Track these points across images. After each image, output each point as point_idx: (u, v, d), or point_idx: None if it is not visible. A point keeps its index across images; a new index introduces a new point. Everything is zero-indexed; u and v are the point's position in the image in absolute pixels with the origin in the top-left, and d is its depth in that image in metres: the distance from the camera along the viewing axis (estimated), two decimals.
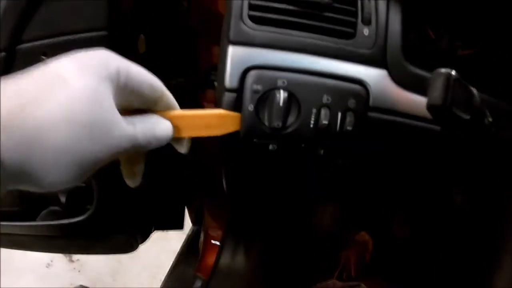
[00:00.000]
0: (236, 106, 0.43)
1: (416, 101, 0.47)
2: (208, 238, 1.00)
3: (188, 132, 0.41)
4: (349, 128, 0.44)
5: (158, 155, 0.73)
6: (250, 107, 0.43)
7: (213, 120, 0.42)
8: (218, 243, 0.97)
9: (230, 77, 0.43)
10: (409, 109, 0.47)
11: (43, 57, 0.54)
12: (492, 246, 0.64)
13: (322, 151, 0.46)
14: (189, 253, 1.05)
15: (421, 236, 0.98)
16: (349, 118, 0.44)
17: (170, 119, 0.39)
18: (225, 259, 0.91)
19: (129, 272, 1.54)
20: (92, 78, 0.32)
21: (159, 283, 1.02)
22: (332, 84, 0.45)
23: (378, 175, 0.55)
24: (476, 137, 0.43)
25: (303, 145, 0.46)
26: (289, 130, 0.44)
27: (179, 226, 0.96)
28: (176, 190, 0.88)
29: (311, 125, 0.44)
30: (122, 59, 0.35)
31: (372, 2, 0.48)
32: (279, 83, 0.43)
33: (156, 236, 0.87)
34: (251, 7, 0.45)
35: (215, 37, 0.50)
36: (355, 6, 0.47)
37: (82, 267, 1.54)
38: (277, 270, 0.96)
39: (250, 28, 0.44)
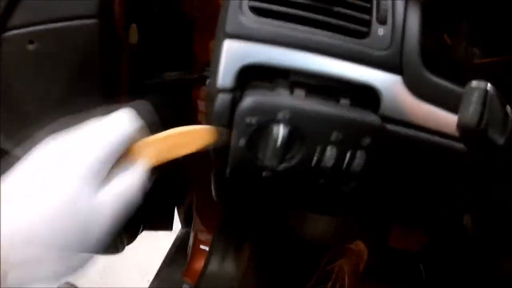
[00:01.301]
0: (231, 109, 0.37)
1: (433, 113, 0.42)
2: (197, 242, 0.97)
3: (156, 158, 0.38)
4: (357, 169, 0.39)
5: None
6: (241, 142, 0.37)
7: (179, 139, 0.37)
8: (206, 248, 0.93)
9: (224, 75, 0.37)
10: (423, 122, 0.42)
11: (30, 45, 0.51)
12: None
13: (323, 181, 0.40)
14: (177, 255, 1.02)
15: (419, 248, 0.95)
16: (359, 158, 0.38)
17: (133, 153, 0.36)
18: (214, 265, 0.88)
19: (117, 270, 1.50)
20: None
21: (148, 282, 0.99)
22: (344, 118, 0.38)
23: (380, 188, 0.50)
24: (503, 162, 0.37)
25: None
26: (285, 165, 0.38)
27: (169, 227, 0.93)
28: (167, 190, 0.85)
29: (313, 164, 0.38)
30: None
31: (389, 1, 0.42)
32: (280, 115, 0.37)
33: (145, 234, 0.84)
34: None
35: (214, 30, 0.45)
36: (370, 2, 0.42)
37: None
38: (267, 279, 0.93)
39: (250, 20, 0.39)
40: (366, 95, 0.42)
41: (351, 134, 0.38)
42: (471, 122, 0.31)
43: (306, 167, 0.38)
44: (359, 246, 0.99)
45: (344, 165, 0.38)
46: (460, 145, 0.44)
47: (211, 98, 0.39)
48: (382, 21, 0.42)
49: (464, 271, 0.84)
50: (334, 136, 0.37)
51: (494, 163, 0.36)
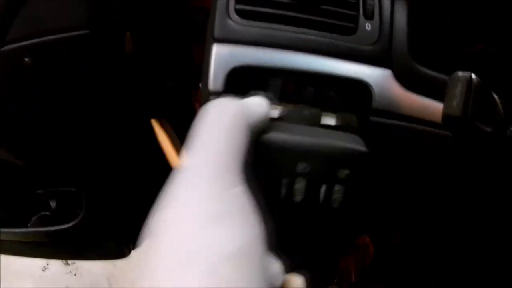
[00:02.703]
0: None
1: (424, 104, 0.43)
2: None
3: None
4: (335, 205, 0.33)
5: (152, 162, 0.70)
6: None
7: None
8: None
9: (214, 79, 0.38)
10: (415, 113, 0.42)
11: (26, 59, 0.51)
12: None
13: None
14: None
15: (423, 244, 0.95)
16: (336, 193, 0.33)
17: None
18: None
19: (124, 275, 1.51)
20: None
21: None
22: (313, 147, 0.32)
23: (380, 185, 0.50)
24: (494, 150, 0.38)
25: None
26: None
27: None
28: None
29: (281, 196, 0.33)
30: None
31: None
32: None
33: None
34: (239, 0, 0.40)
35: None
36: None
37: (78, 270, 1.52)
38: None
39: (237, 24, 0.39)
40: (358, 91, 0.42)
41: (322, 166, 0.33)
42: (456, 113, 0.31)
43: (273, 202, 0.32)
44: (365, 240, 0.99)
45: (320, 200, 0.33)
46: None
47: (204, 101, 0.39)
48: (369, 16, 0.42)
49: (465, 269, 0.83)
50: (300, 167, 0.33)
51: (484, 152, 0.36)
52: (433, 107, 0.43)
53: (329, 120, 0.39)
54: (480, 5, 0.48)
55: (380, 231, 0.94)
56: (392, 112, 0.42)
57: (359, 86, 0.41)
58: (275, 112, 0.37)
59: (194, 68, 0.67)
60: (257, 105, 0.32)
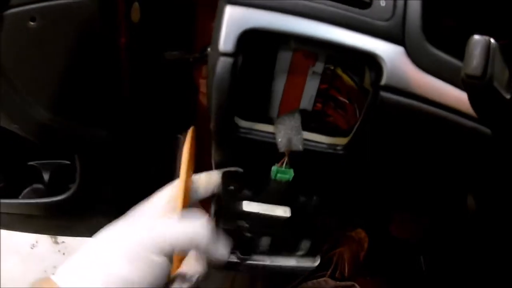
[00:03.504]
0: (232, 74, 0.37)
1: (436, 85, 0.42)
2: None
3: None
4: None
5: (148, 135, 0.69)
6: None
7: None
8: None
9: (225, 39, 0.37)
10: (427, 93, 0.42)
11: (31, 23, 0.51)
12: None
13: None
14: None
15: (420, 237, 0.94)
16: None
17: None
18: None
19: None
20: None
21: None
22: None
23: (382, 170, 0.50)
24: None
25: None
26: None
27: None
28: (166, 171, 0.84)
29: None
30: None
31: None
32: None
33: None
34: None
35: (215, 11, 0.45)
36: None
37: (67, 249, 1.50)
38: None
39: None
40: (368, 65, 0.42)
41: None
42: (476, 73, 0.30)
43: None
44: (360, 234, 0.98)
45: None
46: (463, 120, 0.44)
47: (212, 66, 0.39)
48: None
49: (465, 260, 0.83)
50: None
51: (500, 120, 0.36)
52: (445, 89, 0.42)
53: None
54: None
55: (377, 223, 0.94)
56: (403, 90, 0.41)
57: (370, 60, 0.41)
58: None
59: (197, 43, 0.67)
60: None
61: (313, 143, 0.45)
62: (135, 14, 0.59)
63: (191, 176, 0.47)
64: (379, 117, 0.41)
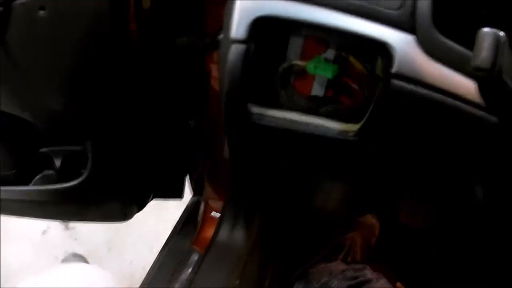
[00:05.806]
0: (244, 61, 0.38)
1: (446, 74, 0.42)
2: (207, 209, 0.95)
3: None
4: None
5: (160, 121, 0.70)
6: None
7: None
8: (217, 215, 0.92)
9: (237, 26, 0.38)
10: (437, 82, 0.42)
11: (40, 11, 0.51)
12: None
13: None
14: (186, 225, 1.01)
15: (430, 225, 0.95)
16: None
17: None
18: (224, 232, 0.87)
19: (124, 242, 1.51)
20: None
21: (155, 254, 0.98)
22: None
23: (393, 156, 0.50)
24: None
25: None
26: None
27: (179, 195, 0.91)
28: (178, 157, 0.85)
29: None
30: None
31: None
32: None
33: (154, 205, 0.83)
34: None
35: None
36: None
37: (78, 235, 1.51)
38: (277, 248, 0.93)
39: None
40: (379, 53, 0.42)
41: None
42: (485, 65, 0.31)
43: None
44: (371, 220, 0.98)
45: None
46: (471, 108, 0.44)
47: (224, 53, 0.39)
48: None
49: (473, 248, 0.84)
50: None
51: (508, 111, 0.36)
52: (455, 78, 0.42)
53: None
54: None
55: (387, 210, 0.94)
56: (414, 78, 0.42)
57: (381, 48, 0.41)
58: None
59: (207, 29, 0.67)
60: None
61: (324, 129, 0.46)
62: (146, 0, 0.59)
63: None
64: (390, 104, 0.42)
